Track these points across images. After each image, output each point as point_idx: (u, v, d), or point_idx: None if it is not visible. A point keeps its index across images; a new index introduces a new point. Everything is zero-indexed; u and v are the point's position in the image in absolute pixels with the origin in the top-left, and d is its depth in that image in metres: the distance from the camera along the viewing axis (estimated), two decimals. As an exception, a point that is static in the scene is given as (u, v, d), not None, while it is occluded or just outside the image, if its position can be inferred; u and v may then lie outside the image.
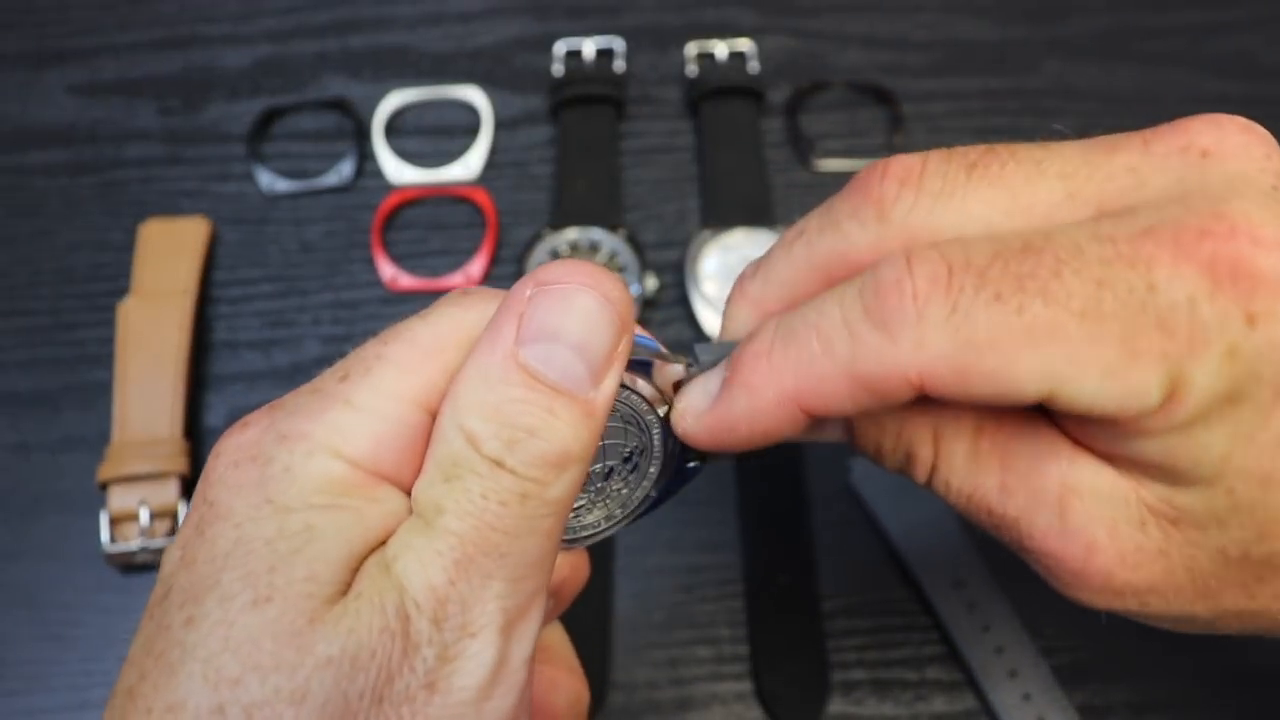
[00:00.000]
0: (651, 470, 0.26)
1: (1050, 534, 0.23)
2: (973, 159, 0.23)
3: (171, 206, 0.53)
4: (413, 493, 0.22)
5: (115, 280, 0.50)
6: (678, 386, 0.25)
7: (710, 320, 0.49)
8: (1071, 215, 0.22)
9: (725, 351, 0.25)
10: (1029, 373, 0.20)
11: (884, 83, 0.57)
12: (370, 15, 0.60)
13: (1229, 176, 0.21)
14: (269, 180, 0.54)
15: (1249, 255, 0.20)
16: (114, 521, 0.44)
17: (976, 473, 0.24)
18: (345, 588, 0.20)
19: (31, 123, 0.56)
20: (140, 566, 0.44)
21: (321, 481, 0.21)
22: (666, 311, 0.50)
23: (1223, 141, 0.22)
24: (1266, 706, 0.40)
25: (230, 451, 0.21)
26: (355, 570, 0.21)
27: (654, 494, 0.27)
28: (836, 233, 0.24)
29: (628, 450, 0.26)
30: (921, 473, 0.25)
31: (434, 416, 0.22)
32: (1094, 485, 0.23)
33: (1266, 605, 0.23)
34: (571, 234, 0.51)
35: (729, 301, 0.26)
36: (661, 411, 0.25)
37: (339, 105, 0.56)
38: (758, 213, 0.52)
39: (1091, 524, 0.22)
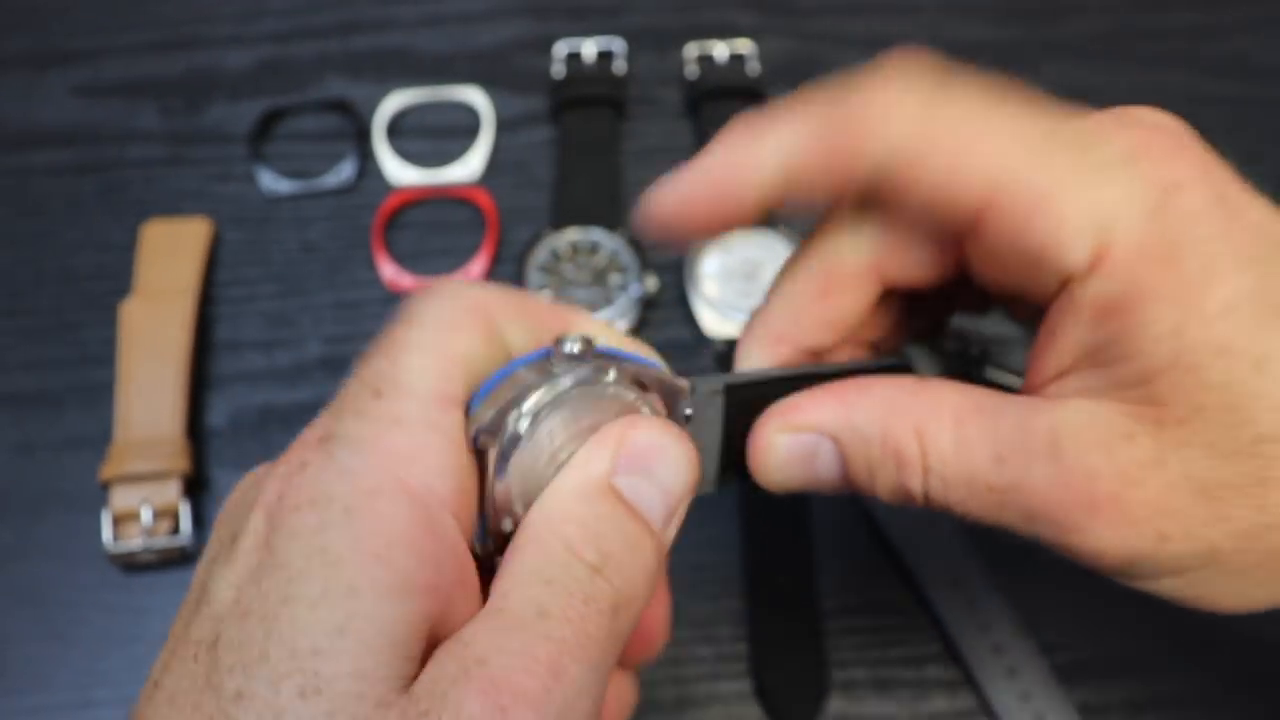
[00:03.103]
0: None
1: (1053, 483, 0.23)
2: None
3: (173, 207, 0.53)
4: (498, 589, 0.21)
5: (117, 280, 0.50)
6: (670, 408, 0.26)
7: (710, 320, 0.49)
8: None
9: (723, 381, 0.26)
10: (981, 165, 0.24)
11: (883, 84, 0.57)
12: (371, 17, 0.60)
13: None
14: (270, 181, 0.54)
15: (1174, 138, 0.24)
16: (116, 521, 0.44)
17: (969, 455, 0.24)
18: (399, 679, 0.19)
19: (34, 123, 0.57)
20: (142, 565, 0.44)
21: (380, 524, 0.20)
22: (666, 312, 0.50)
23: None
24: (1267, 706, 0.40)
25: (290, 495, 0.21)
26: (407, 655, 0.20)
27: None
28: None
29: None
30: (914, 475, 0.25)
31: (467, 391, 0.23)
32: (1078, 419, 0.23)
33: None
34: (572, 234, 0.51)
35: (740, 341, 0.30)
36: None
37: (340, 106, 0.57)
38: (758, 213, 0.52)
39: (1086, 452, 0.23)
